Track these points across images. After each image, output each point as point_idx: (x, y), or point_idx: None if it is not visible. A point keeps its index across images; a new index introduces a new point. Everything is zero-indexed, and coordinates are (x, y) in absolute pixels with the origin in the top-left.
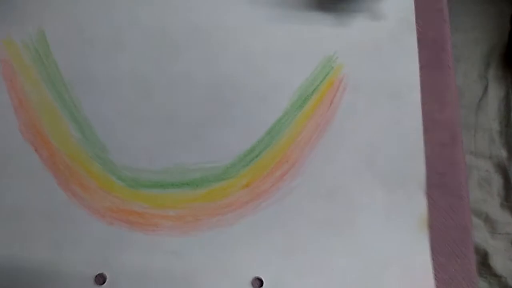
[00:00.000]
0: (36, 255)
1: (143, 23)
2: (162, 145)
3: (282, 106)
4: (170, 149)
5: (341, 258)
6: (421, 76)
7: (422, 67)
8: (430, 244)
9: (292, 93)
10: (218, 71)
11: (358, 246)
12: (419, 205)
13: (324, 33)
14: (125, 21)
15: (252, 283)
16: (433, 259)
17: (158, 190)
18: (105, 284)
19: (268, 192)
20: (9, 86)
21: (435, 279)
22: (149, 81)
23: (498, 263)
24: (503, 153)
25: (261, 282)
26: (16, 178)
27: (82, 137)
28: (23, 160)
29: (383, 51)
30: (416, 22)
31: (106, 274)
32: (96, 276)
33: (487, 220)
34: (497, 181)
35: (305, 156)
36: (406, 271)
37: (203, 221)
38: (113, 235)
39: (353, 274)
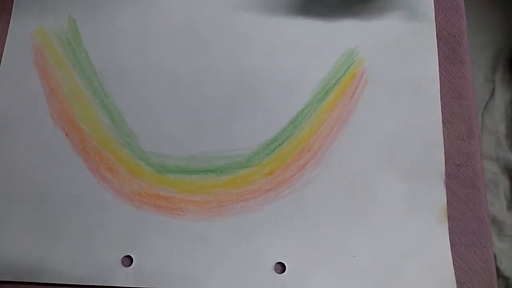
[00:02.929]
0: (65, 237)
1: (171, 16)
2: (188, 133)
3: (305, 97)
4: (196, 137)
5: (361, 247)
6: (439, 70)
7: (439, 62)
8: (449, 235)
9: (315, 85)
10: (242, 63)
11: (378, 235)
12: (439, 196)
13: (346, 27)
14: (154, 13)
15: (275, 268)
16: (452, 249)
17: (184, 175)
18: (131, 266)
19: (290, 180)
20: (41, 74)
21: (455, 268)
22: (176, 71)
23: (505, 265)
24: (510, 156)
25: (283, 267)
26: (47, 163)
27: (112, 123)
28: (54, 146)
29: (404, 46)
30: (435, 17)
31: (133, 257)
32: (123, 258)
33: (494, 222)
34: (504, 183)
35: (327, 146)
36: (426, 261)
37: (227, 207)
38: (140, 218)
39: (373, 263)
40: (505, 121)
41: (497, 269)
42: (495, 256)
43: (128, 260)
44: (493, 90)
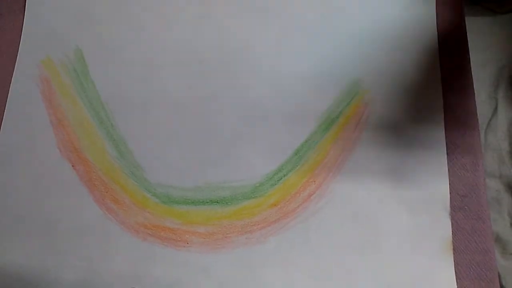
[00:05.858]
0: (70, 269)
1: (177, 46)
2: (193, 163)
3: (309, 128)
4: (201, 168)
5: (366, 279)
6: (443, 101)
7: (443, 92)
8: (455, 267)
9: (319, 115)
10: (246, 93)
11: (383, 268)
12: (444, 228)
13: (350, 58)
14: (160, 44)
15: None
16: (457, 282)
17: (190, 206)
18: None
19: (295, 212)
20: (48, 104)
21: None
22: (181, 102)
23: (510, 283)
24: None
25: None
26: (53, 193)
27: (118, 154)
28: (60, 176)
29: (407, 77)
30: (439, 49)
31: None
32: None
33: (498, 240)
34: (507, 201)
35: (332, 177)
36: None
37: (232, 239)
38: (146, 250)
39: None
40: (508, 138)
41: None
42: (499, 275)
43: None
44: (496, 107)
